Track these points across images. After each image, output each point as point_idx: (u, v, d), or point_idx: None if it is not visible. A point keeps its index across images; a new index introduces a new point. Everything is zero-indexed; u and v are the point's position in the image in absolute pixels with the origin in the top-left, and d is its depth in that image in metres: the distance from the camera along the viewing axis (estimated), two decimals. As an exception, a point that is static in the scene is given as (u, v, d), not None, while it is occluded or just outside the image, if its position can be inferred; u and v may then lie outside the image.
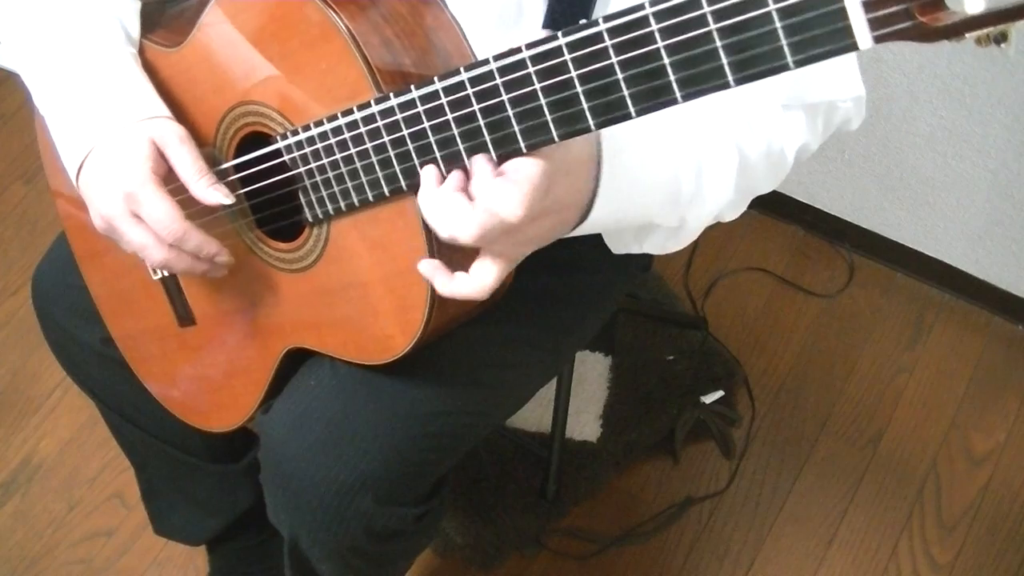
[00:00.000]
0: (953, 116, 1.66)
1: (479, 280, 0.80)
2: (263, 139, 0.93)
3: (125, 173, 0.92)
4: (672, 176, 0.87)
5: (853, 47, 0.57)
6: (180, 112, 0.98)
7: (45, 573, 1.62)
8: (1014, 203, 1.72)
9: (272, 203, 0.96)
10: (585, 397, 1.72)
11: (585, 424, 1.70)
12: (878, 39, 0.57)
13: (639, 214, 0.88)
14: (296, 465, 1.02)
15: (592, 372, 1.75)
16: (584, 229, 0.84)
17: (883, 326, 1.87)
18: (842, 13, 0.57)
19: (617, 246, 0.98)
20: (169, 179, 0.94)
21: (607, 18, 0.66)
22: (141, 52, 1.01)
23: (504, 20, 0.93)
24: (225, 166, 0.97)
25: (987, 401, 1.78)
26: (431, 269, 0.82)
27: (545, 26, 0.90)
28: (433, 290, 0.87)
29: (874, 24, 0.56)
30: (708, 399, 1.74)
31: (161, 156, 0.93)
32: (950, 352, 1.83)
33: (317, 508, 1.02)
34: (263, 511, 1.47)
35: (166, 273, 1.09)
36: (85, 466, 1.72)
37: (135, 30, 1.01)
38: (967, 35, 0.55)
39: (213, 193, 0.92)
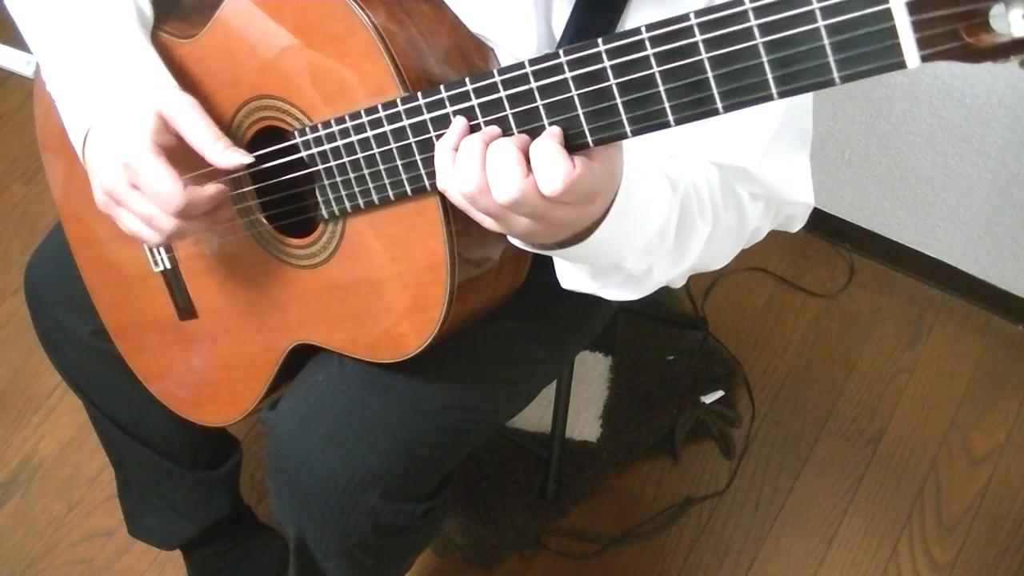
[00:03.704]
0: (953, 116, 1.66)
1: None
2: (278, 134, 0.92)
3: (125, 143, 0.88)
4: (663, 224, 0.86)
5: (900, 65, 0.57)
6: None
7: (45, 573, 1.62)
8: (1014, 203, 1.72)
9: (285, 199, 0.96)
10: (585, 397, 1.72)
11: (585, 424, 1.70)
12: (925, 58, 0.56)
13: (619, 252, 0.85)
14: (303, 461, 1.02)
15: (592, 372, 1.75)
16: (567, 253, 0.81)
17: (883, 326, 1.87)
18: (891, 32, 0.56)
19: (569, 280, 0.93)
20: (177, 155, 0.90)
21: (650, 27, 0.65)
22: (155, 42, 0.99)
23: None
24: None
25: (987, 401, 1.78)
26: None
27: (564, 41, 0.89)
28: (450, 289, 0.86)
29: (922, 43, 0.56)
30: (708, 399, 1.74)
31: (165, 127, 0.89)
32: (950, 352, 1.83)
33: (324, 504, 1.02)
34: (238, 519, 1.48)
35: (167, 264, 1.08)
36: (85, 466, 1.72)
37: (148, 10, 1.00)
38: (1012, 57, 0.55)
39: (231, 155, 0.87)
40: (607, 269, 0.89)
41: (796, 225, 1.04)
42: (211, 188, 0.89)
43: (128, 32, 0.96)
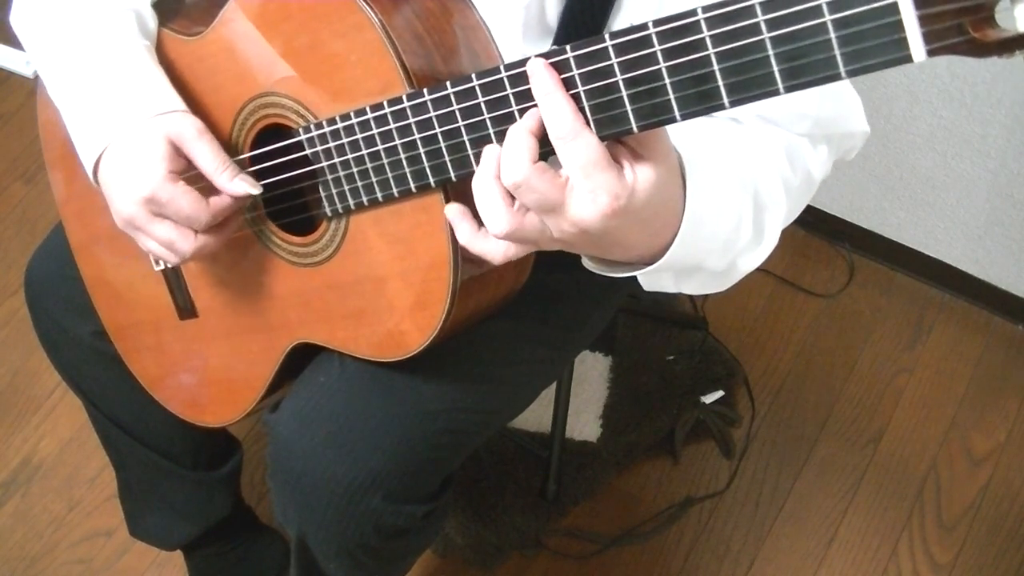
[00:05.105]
0: (953, 116, 1.66)
1: (501, 247, 0.76)
2: (283, 132, 0.92)
3: (142, 176, 0.91)
4: (738, 222, 0.86)
5: (907, 59, 0.57)
6: (197, 102, 0.98)
7: (45, 573, 1.62)
8: (1014, 203, 1.72)
9: (288, 196, 0.96)
10: (585, 397, 1.72)
11: (585, 424, 1.70)
12: (932, 52, 0.56)
13: (698, 257, 0.85)
14: (305, 463, 1.01)
15: (592, 372, 1.75)
16: (650, 271, 0.81)
17: (883, 326, 1.87)
18: (898, 25, 0.57)
19: (651, 284, 0.92)
20: (187, 171, 0.93)
21: (657, 22, 0.65)
22: (159, 41, 1.00)
23: (528, 33, 0.92)
24: (241, 157, 0.96)
25: (987, 401, 1.78)
26: (457, 214, 0.78)
27: (556, 42, 0.89)
28: (453, 286, 0.86)
29: (928, 38, 0.56)
30: (708, 399, 1.74)
31: (178, 153, 0.92)
32: (950, 352, 1.83)
33: (327, 506, 1.01)
34: (239, 520, 1.48)
35: (169, 264, 1.08)
36: (85, 466, 1.72)
37: (151, 21, 1.00)
38: (1017, 52, 0.56)
39: (239, 184, 0.91)
40: (689, 271, 0.89)
41: (853, 154, 1.02)
42: (226, 198, 0.92)
43: (133, 51, 0.97)
